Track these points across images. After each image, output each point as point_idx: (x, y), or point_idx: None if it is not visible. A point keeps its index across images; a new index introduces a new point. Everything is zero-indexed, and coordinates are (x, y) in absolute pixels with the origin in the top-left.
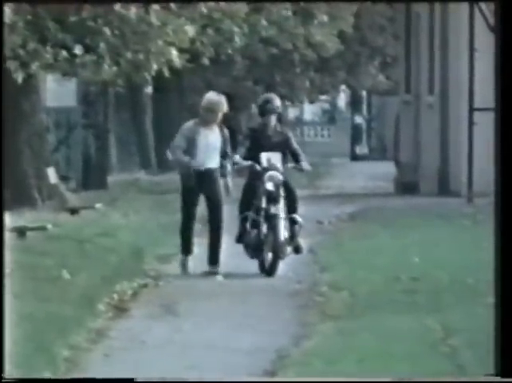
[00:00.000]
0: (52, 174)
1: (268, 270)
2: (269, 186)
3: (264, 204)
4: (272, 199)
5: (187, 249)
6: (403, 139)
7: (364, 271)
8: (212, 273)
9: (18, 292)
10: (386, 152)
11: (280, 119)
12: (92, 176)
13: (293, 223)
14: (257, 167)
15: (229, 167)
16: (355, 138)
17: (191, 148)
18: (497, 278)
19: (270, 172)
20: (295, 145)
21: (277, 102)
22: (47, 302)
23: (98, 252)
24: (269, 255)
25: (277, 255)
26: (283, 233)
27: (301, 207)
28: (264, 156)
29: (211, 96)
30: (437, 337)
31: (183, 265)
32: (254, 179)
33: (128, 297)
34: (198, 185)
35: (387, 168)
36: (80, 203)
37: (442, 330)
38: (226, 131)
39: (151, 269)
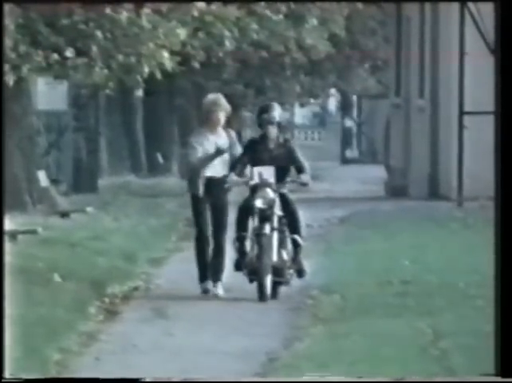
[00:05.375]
0: (42, 177)
1: (258, 295)
2: (259, 203)
3: (256, 223)
4: (263, 217)
5: (203, 274)
6: (394, 142)
7: (355, 275)
8: (211, 291)
9: (9, 295)
10: (376, 155)
11: (280, 128)
12: (82, 180)
13: (294, 243)
14: (251, 183)
15: (242, 178)
16: (345, 141)
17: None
18: (496, 278)
19: (261, 189)
20: (299, 158)
21: (276, 111)
22: (38, 305)
23: (89, 255)
24: (268, 279)
25: (262, 278)
26: (275, 255)
27: None
28: (255, 171)
29: (210, 96)
30: (428, 339)
31: (205, 292)
32: (250, 197)
33: (119, 300)
34: (206, 195)
35: (378, 172)
36: (70, 207)
37: (432, 333)
38: (232, 133)
39: (142, 272)
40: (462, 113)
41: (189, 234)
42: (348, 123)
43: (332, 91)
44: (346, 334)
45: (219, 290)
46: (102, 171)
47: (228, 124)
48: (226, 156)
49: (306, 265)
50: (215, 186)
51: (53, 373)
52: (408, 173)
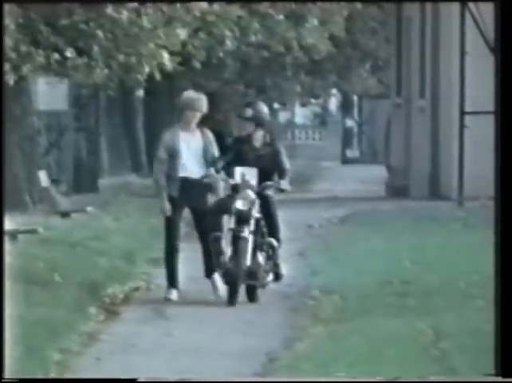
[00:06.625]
0: (43, 177)
1: (228, 298)
2: (240, 205)
3: (233, 225)
4: (242, 220)
5: (171, 280)
6: (394, 142)
7: (355, 275)
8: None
9: (9, 295)
10: (377, 155)
11: (258, 125)
12: (83, 179)
13: (271, 247)
14: (231, 183)
15: (221, 175)
16: (346, 141)
17: (172, 157)
18: (497, 278)
19: (243, 190)
20: (283, 161)
21: (258, 108)
22: (38, 305)
23: (89, 255)
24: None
25: (236, 282)
26: (249, 258)
27: (292, 211)
28: (238, 171)
29: (190, 93)
30: (428, 340)
31: (167, 298)
32: (228, 196)
33: (120, 300)
34: (182, 197)
35: (378, 172)
36: (71, 207)
37: (433, 333)
38: (208, 134)
39: (142, 272)
40: (462, 113)
41: (189, 234)
42: (349, 123)
43: (333, 91)
44: (346, 335)
45: (219, 290)
46: (102, 171)
47: (203, 123)
48: (200, 157)
49: (284, 268)
50: (192, 187)
51: (53, 374)
52: (409, 173)
